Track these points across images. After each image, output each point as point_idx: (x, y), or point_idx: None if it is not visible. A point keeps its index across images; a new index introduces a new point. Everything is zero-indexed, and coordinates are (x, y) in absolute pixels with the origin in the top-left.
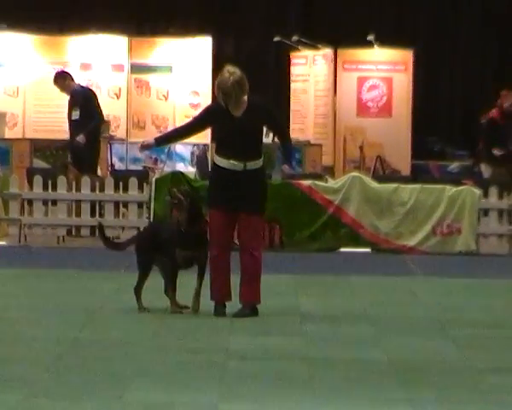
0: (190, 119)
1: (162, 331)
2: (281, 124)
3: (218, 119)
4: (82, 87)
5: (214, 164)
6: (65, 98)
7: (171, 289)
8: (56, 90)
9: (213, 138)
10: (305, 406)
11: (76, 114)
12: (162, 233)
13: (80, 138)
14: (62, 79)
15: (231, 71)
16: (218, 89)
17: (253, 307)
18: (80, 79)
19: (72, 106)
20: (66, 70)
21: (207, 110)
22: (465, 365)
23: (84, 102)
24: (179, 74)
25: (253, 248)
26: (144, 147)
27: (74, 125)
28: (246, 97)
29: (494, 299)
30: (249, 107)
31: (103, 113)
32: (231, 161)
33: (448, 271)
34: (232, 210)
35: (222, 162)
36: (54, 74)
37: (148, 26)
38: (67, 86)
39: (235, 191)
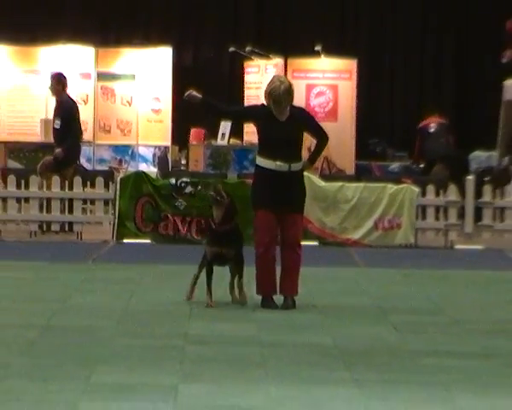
0: (237, 107)
1: (127, 319)
2: (320, 128)
3: (264, 119)
4: (69, 99)
5: (258, 166)
6: (37, 104)
7: (206, 283)
8: (29, 96)
9: (258, 140)
10: (259, 386)
11: (58, 124)
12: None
13: (58, 153)
14: (56, 81)
15: (282, 80)
16: (270, 96)
17: (293, 298)
18: None
19: (56, 114)
20: (64, 76)
21: (256, 107)
22: (405, 348)
23: (66, 115)
24: (142, 82)
25: (297, 247)
26: (190, 97)
27: (55, 133)
28: (288, 106)
29: (431, 288)
30: (292, 113)
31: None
32: (278, 163)
33: (389, 262)
34: (278, 209)
35: (267, 164)
36: (53, 73)
37: (113, 38)
38: (56, 90)
39: (281, 191)
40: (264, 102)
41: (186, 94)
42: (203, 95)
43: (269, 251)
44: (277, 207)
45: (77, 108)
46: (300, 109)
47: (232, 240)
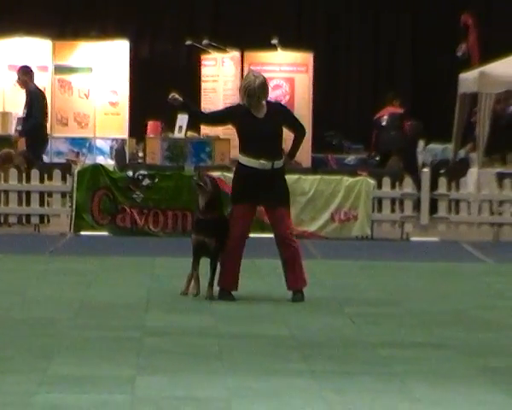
0: (214, 111)
1: (84, 311)
2: (297, 122)
3: (242, 118)
4: (37, 89)
5: (239, 163)
6: None
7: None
8: None
9: (239, 139)
10: (216, 377)
11: (24, 112)
12: None
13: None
14: (22, 72)
15: (256, 75)
16: (244, 91)
17: (301, 291)
18: (8, 79)
19: (25, 104)
20: (30, 68)
21: (232, 108)
22: (360, 339)
23: (30, 103)
24: (99, 75)
25: (291, 240)
26: (172, 100)
27: (22, 122)
28: (265, 101)
29: (387, 279)
30: (269, 109)
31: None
32: (261, 161)
33: (345, 254)
34: (256, 205)
35: (250, 162)
36: (19, 66)
37: (70, 30)
38: (23, 82)
39: (265, 188)
40: (240, 102)
41: (169, 97)
42: (184, 99)
43: (238, 247)
44: (258, 201)
45: (43, 97)
46: (277, 104)
47: (215, 230)
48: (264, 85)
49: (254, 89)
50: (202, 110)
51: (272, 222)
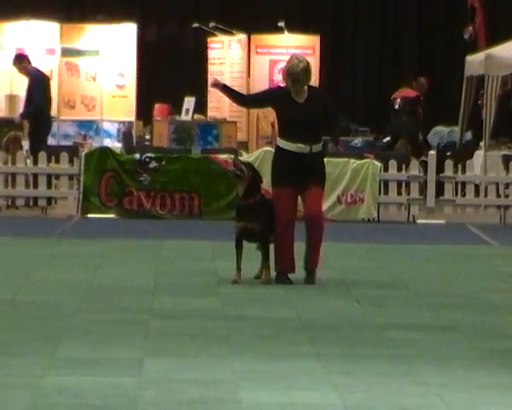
0: (255, 93)
1: (91, 293)
2: (335, 113)
3: (282, 102)
4: (36, 71)
5: (278, 147)
6: (1, 80)
7: (235, 258)
8: None
9: (278, 123)
10: (223, 360)
11: (26, 95)
12: None
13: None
14: (18, 61)
15: (300, 59)
16: (288, 74)
17: (315, 272)
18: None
19: (27, 87)
20: (23, 54)
21: (272, 91)
22: (367, 322)
23: (31, 85)
24: (106, 57)
25: (320, 222)
26: (215, 84)
27: (24, 104)
28: (306, 86)
29: (394, 262)
30: (310, 95)
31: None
32: (299, 145)
33: (352, 236)
34: (298, 189)
35: (288, 146)
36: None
37: (78, 13)
38: (23, 68)
39: (302, 172)
40: (281, 84)
41: (211, 81)
42: (226, 85)
43: (287, 231)
44: (296, 187)
45: (44, 79)
46: (318, 89)
47: (258, 213)
48: (307, 70)
49: (298, 73)
50: (244, 94)
51: (305, 201)
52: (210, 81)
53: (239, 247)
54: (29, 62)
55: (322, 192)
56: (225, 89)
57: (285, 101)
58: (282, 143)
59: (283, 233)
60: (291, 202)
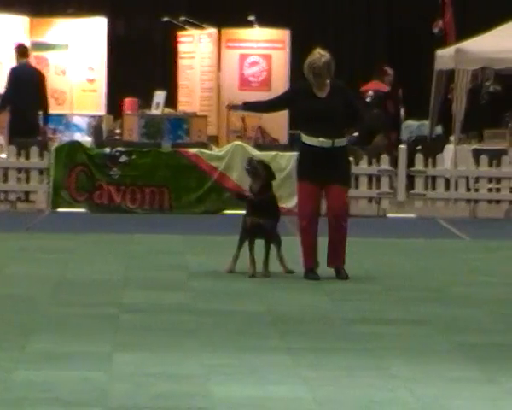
0: (276, 96)
1: (61, 288)
2: (358, 107)
3: (304, 98)
4: (13, 67)
5: (302, 142)
6: None
7: (249, 253)
8: None
9: (297, 118)
10: (193, 354)
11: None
12: None
13: None
14: (16, 51)
15: (322, 53)
16: (310, 68)
17: (342, 268)
18: None
19: None
20: (20, 46)
21: (293, 90)
22: (337, 316)
23: (7, 79)
24: (76, 51)
25: (343, 220)
26: (232, 107)
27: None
28: (328, 80)
29: (364, 256)
30: (332, 89)
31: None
32: (320, 139)
33: (321, 231)
34: (320, 183)
35: (311, 140)
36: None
37: (47, 7)
38: (16, 59)
39: (324, 167)
40: (300, 81)
41: (226, 106)
42: (244, 102)
43: (311, 224)
44: (319, 181)
45: (17, 75)
46: (340, 84)
47: (269, 210)
48: (329, 64)
49: (319, 67)
50: (264, 100)
51: (328, 197)
52: (225, 106)
53: (252, 242)
54: (19, 56)
55: (346, 188)
56: (246, 107)
57: (306, 96)
58: (304, 137)
59: (307, 226)
60: (313, 194)
